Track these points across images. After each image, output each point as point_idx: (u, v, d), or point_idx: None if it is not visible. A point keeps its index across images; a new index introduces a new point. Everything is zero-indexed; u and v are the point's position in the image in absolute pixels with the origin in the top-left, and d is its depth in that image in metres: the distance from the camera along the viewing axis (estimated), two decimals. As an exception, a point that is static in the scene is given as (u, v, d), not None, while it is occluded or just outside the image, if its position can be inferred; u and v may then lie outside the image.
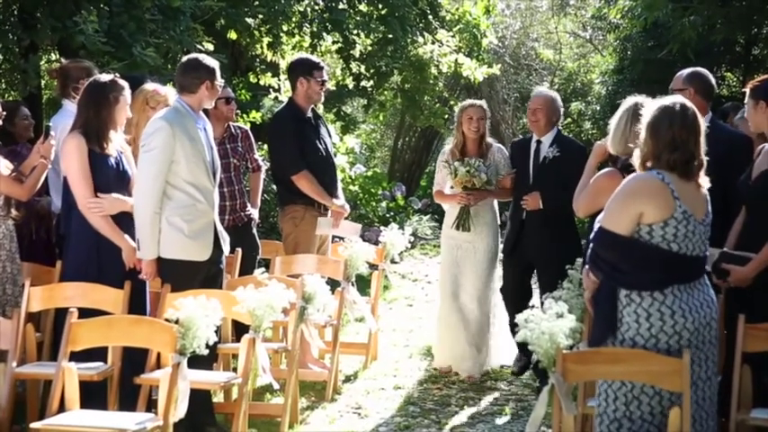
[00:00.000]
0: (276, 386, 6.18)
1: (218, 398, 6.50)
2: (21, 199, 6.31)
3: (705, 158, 4.35)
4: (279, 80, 13.97)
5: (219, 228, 6.16)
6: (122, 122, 6.15)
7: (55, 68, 7.40)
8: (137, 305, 5.94)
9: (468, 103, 7.99)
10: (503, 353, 7.95)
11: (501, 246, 7.87)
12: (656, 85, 8.14)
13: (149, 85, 6.66)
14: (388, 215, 16.13)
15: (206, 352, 4.99)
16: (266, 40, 12.89)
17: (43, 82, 10.37)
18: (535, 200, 7.43)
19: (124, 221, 6.04)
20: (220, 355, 6.72)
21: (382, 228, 8.72)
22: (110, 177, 6.04)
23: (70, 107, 6.74)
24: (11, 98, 10.92)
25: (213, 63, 6.15)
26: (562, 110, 7.71)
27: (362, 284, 9.02)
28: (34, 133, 7.67)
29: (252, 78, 13.98)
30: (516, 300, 7.55)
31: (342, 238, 7.82)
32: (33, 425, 4.95)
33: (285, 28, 12.90)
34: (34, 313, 6.10)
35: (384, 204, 16.51)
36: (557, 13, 29.38)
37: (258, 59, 14.31)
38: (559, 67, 29.08)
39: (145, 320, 5.42)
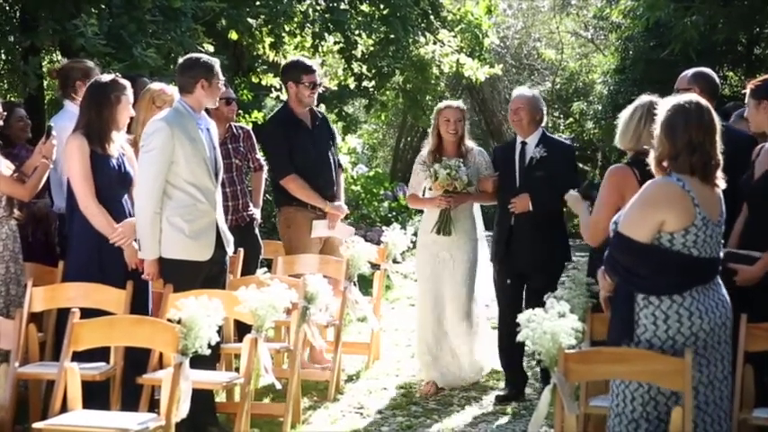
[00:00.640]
0: (278, 386, 6.17)
1: (220, 398, 6.50)
2: (23, 199, 6.32)
3: (721, 157, 4.33)
4: (280, 80, 13.97)
5: (223, 228, 6.16)
6: (125, 122, 6.15)
7: (55, 69, 7.40)
8: (139, 305, 5.94)
9: (444, 104, 7.55)
10: (488, 360, 7.61)
11: (482, 254, 7.51)
12: (657, 85, 8.13)
13: (156, 85, 6.67)
14: (390, 215, 16.12)
15: (208, 352, 4.99)
16: (268, 40, 12.89)
17: (45, 83, 10.38)
18: (524, 202, 7.07)
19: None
20: (223, 355, 6.72)
21: (384, 228, 8.72)
22: (111, 178, 6.05)
23: (71, 108, 6.75)
24: (12, 99, 10.94)
25: (210, 61, 6.10)
26: (545, 109, 7.35)
27: (365, 284, 9.03)
28: (36, 134, 7.66)
29: (254, 78, 13.99)
30: (513, 310, 6.90)
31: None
32: (36, 425, 4.96)
33: (287, 28, 12.90)
34: (37, 313, 6.11)
35: (386, 204, 16.51)
36: (558, 13, 29.36)
37: (260, 60, 14.32)
38: (561, 67, 29.07)
39: (147, 320, 5.42)
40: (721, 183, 4.34)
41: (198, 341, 4.92)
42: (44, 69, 9.49)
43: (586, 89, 27.42)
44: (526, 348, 5.10)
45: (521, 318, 4.60)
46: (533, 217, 7.06)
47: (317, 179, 7.62)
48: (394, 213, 16.32)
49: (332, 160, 7.78)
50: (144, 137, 6.00)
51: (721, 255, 4.45)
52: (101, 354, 5.61)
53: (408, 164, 22.72)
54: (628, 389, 4.34)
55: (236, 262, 7.24)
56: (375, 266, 8.36)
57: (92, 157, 5.99)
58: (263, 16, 12.07)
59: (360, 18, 14.19)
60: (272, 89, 14.10)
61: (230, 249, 6.27)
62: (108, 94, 6.02)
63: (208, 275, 6.02)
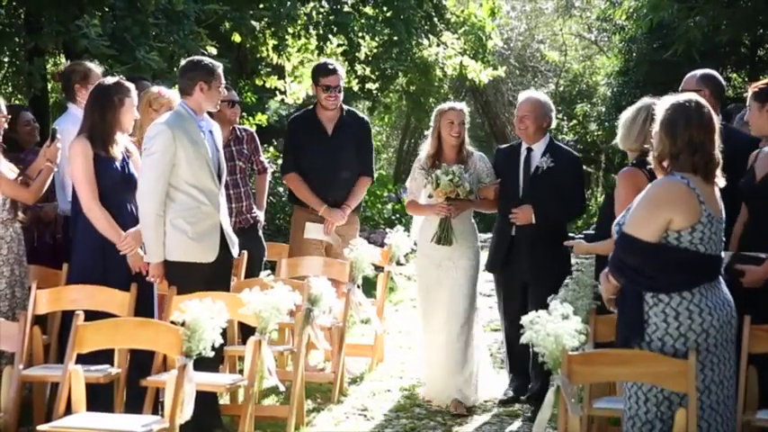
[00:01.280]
0: (282, 388, 6.18)
1: (224, 400, 6.50)
2: (27, 202, 6.33)
3: (720, 156, 4.34)
4: (284, 83, 13.99)
5: (228, 230, 6.16)
6: (129, 124, 6.15)
7: (58, 71, 7.42)
8: (143, 308, 5.95)
9: (447, 105, 7.16)
10: (489, 384, 7.26)
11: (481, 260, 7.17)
12: (661, 87, 8.13)
13: (153, 88, 6.69)
14: (393, 217, 16.14)
15: (212, 354, 4.99)
16: (271, 42, 12.90)
17: (49, 85, 10.40)
18: (526, 214, 6.77)
19: (129, 225, 6.05)
20: (226, 358, 6.73)
21: (388, 230, 8.71)
22: (115, 181, 6.05)
23: (75, 111, 6.77)
24: (17, 101, 10.96)
25: (211, 64, 6.10)
26: (553, 113, 7.04)
27: (368, 286, 9.03)
28: (41, 136, 7.68)
29: (257, 81, 14.00)
30: (514, 320, 6.46)
31: None
32: (40, 427, 4.95)
33: (290, 31, 12.92)
34: (41, 316, 6.12)
35: (390, 206, 16.52)
36: (562, 15, 29.39)
37: (263, 62, 14.33)
38: (565, 69, 29.08)
39: (151, 323, 5.42)
40: (720, 181, 4.35)
41: (202, 343, 4.92)
42: (48, 72, 9.51)
43: (590, 91, 27.44)
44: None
45: (524, 320, 4.61)
46: (536, 228, 6.79)
47: (321, 182, 7.66)
48: (397, 215, 16.33)
49: (348, 167, 7.75)
50: (145, 140, 6.01)
51: (723, 255, 4.46)
52: (105, 356, 5.61)
53: (411, 166, 22.74)
54: (641, 390, 4.34)
55: (240, 264, 7.25)
56: (379, 269, 8.36)
57: (95, 159, 5.99)
58: (266, 19, 12.08)
59: (363, 20, 14.20)
60: (276, 92, 14.11)
61: (235, 251, 6.27)
62: (111, 96, 6.02)
63: (212, 277, 6.01)
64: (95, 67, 6.98)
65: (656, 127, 4.36)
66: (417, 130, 23.03)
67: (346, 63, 14.97)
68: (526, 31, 30.45)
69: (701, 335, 4.24)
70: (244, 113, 11.79)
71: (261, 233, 7.95)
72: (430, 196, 6.97)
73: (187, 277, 5.88)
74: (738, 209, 5.53)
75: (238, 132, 7.90)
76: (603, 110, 22.50)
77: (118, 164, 6.09)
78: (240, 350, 6.50)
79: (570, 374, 4.39)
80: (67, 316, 5.64)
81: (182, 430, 5.01)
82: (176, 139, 5.89)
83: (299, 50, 13.81)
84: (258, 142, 8.06)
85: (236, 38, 12.17)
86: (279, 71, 14.29)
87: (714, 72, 6.31)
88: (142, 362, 5.70)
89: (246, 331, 6.43)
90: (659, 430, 4.30)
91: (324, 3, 13.58)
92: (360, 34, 14.03)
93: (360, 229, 8.13)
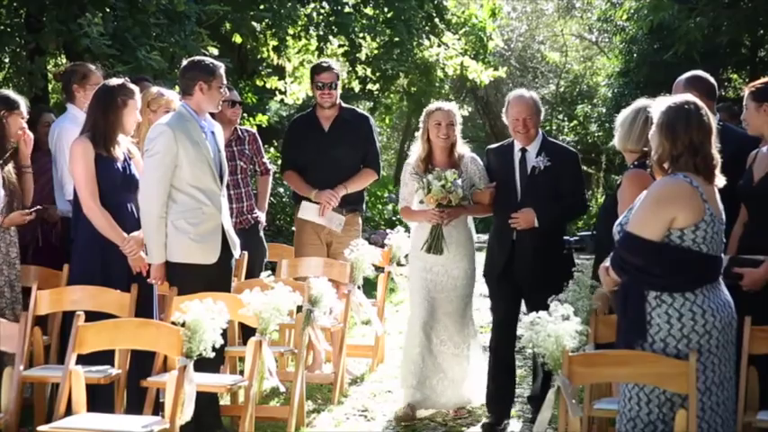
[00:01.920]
0: (282, 389, 6.18)
1: (224, 401, 6.50)
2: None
3: (719, 156, 4.35)
4: (285, 83, 14.00)
5: (229, 230, 6.16)
6: (131, 126, 6.14)
7: (59, 72, 7.42)
8: (144, 308, 5.95)
9: (434, 106, 6.87)
10: (477, 393, 6.91)
11: (477, 268, 6.89)
12: (661, 87, 8.12)
13: (153, 89, 6.70)
14: (394, 218, 16.14)
15: (212, 355, 4.99)
16: (272, 43, 12.91)
17: (50, 86, 10.40)
18: (528, 218, 6.43)
19: (130, 226, 6.05)
20: (227, 358, 6.73)
21: (388, 230, 8.71)
22: (116, 181, 6.05)
23: (74, 111, 6.79)
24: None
25: (211, 65, 6.10)
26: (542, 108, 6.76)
27: (369, 287, 9.03)
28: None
29: (258, 82, 14.01)
30: (511, 331, 6.61)
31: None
32: (41, 428, 4.95)
33: (291, 32, 12.92)
34: (42, 316, 6.12)
35: (390, 207, 16.53)
36: (562, 16, 29.40)
37: (264, 63, 14.35)
38: (565, 70, 29.10)
39: (151, 323, 5.42)
40: (720, 181, 4.35)
41: (202, 344, 4.92)
42: (49, 72, 9.52)
43: (590, 92, 27.46)
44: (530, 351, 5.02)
45: (524, 321, 4.60)
46: (538, 232, 6.46)
47: (318, 180, 7.68)
48: (398, 216, 16.33)
49: (347, 163, 7.74)
50: (147, 141, 6.01)
51: (724, 257, 4.46)
52: (105, 357, 5.61)
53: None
54: (642, 392, 4.33)
55: (241, 265, 7.25)
56: (379, 269, 8.37)
57: (96, 159, 5.99)
58: (266, 20, 12.09)
59: (364, 21, 14.22)
60: (277, 92, 14.11)
61: (237, 252, 6.27)
62: (115, 97, 6.02)
63: (213, 278, 6.01)
64: (96, 69, 6.98)
65: (653, 129, 4.36)
66: (418, 131, 23.08)
67: (347, 64, 14.98)
68: (527, 31, 30.47)
69: (704, 336, 4.24)
70: (244, 114, 11.79)
71: (262, 234, 7.96)
72: (421, 202, 6.68)
73: (188, 278, 5.88)
74: (736, 209, 5.51)
75: (240, 133, 7.91)
76: (604, 111, 22.52)
77: (119, 164, 6.09)
78: (241, 351, 6.50)
79: (571, 375, 4.39)
80: (68, 317, 5.65)
81: (182, 431, 5.01)
82: (178, 140, 5.90)
83: (299, 51, 13.82)
84: (260, 143, 8.07)
85: (237, 38, 12.18)
86: (279, 72, 14.29)
87: (700, 72, 6.27)
88: (143, 362, 5.70)
89: (247, 332, 6.43)
90: (661, 431, 4.30)
91: (324, 4, 13.59)
92: (361, 35, 14.04)
93: (361, 229, 8.11)
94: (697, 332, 4.24)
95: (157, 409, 5.63)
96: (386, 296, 8.54)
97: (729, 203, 4.65)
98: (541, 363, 4.51)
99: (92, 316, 5.40)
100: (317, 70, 7.84)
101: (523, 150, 6.57)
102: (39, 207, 6.55)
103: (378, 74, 15.27)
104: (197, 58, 6.34)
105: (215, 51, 10.27)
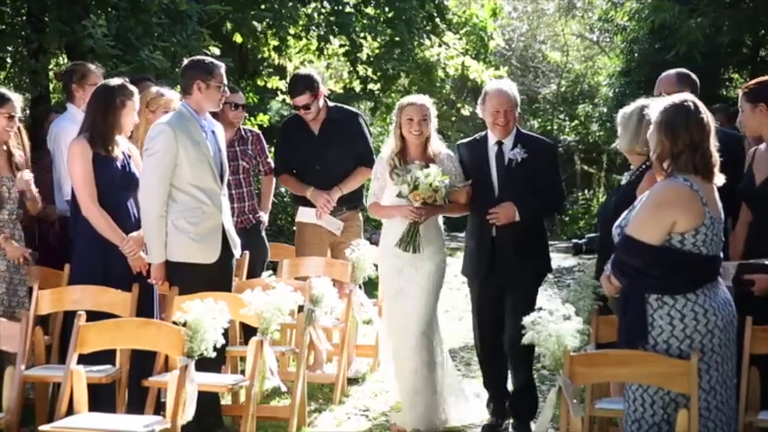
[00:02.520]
0: (284, 389, 6.18)
1: (225, 400, 6.51)
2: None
3: (718, 155, 4.34)
4: (286, 83, 14.00)
5: (230, 230, 6.16)
6: (128, 127, 6.14)
7: (60, 71, 7.42)
8: (145, 308, 5.95)
9: (407, 100, 6.56)
10: (460, 408, 6.64)
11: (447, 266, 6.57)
12: (662, 87, 8.11)
13: (152, 89, 6.69)
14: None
15: (214, 354, 4.99)
16: (273, 43, 12.92)
17: (51, 86, 10.41)
18: (508, 212, 6.22)
19: (130, 225, 6.05)
20: (228, 358, 6.73)
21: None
22: (114, 180, 6.05)
23: (73, 111, 6.79)
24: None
25: (210, 64, 6.09)
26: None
27: (370, 287, 9.02)
28: (42, 137, 7.67)
29: (259, 82, 14.01)
30: (493, 332, 6.47)
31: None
32: (42, 427, 4.96)
33: (292, 31, 12.93)
34: (43, 316, 6.12)
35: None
36: (564, 16, 29.39)
37: (265, 63, 14.35)
38: (566, 70, 29.09)
39: (152, 323, 5.43)
40: (719, 180, 4.35)
41: (203, 344, 4.93)
42: (51, 70, 9.52)
43: (592, 91, 27.44)
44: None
45: (526, 320, 4.60)
46: (519, 226, 6.25)
47: (310, 181, 7.70)
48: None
49: (340, 164, 7.72)
50: (147, 140, 6.01)
51: (729, 266, 4.45)
52: (106, 356, 5.62)
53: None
54: (646, 393, 4.33)
55: (242, 265, 7.25)
56: (380, 269, 8.35)
57: (95, 159, 5.99)
58: (267, 19, 12.10)
59: (365, 21, 14.22)
60: (278, 92, 14.11)
61: (237, 252, 6.27)
62: (114, 97, 6.02)
63: (214, 278, 6.01)
64: (95, 69, 6.98)
65: (652, 128, 4.35)
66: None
67: (348, 63, 14.99)
68: (528, 31, 30.46)
69: (707, 336, 4.24)
70: (245, 114, 11.79)
71: (264, 234, 7.96)
72: (399, 196, 6.31)
73: (188, 278, 5.88)
74: (731, 207, 5.47)
75: (243, 133, 7.91)
76: (605, 110, 22.48)
77: (118, 163, 6.09)
78: (242, 350, 6.50)
79: (572, 375, 4.39)
80: (69, 316, 5.65)
81: (183, 430, 5.01)
82: (178, 139, 5.90)
83: (300, 51, 13.82)
84: (264, 144, 8.07)
85: (238, 38, 12.18)
86: (280, 72, 14.30)
87: (686, 70, 6.28)
88: (144, 362, 5.70)
89: (248, 332, 6.43)
90: None
91: (325, 3, 13.59)
92: (362, 35, 14.04)
93: (363, 229, 8.11)
94: (700, 332, 4.23)
95: (159, 408, 5.63)
96: (387, 296, 8.52)
97: (724, 201, 4.62)
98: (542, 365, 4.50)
99: (93, 316, 5.41)
100: (290, 93, 7.91)
101: (499, 143, 6.38)
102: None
103: (379, 74, 15.26)
104: (197, 57, 6.35)
105: (216, 51, 10.28)
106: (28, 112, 8.96)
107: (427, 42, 15.60)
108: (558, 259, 17.09)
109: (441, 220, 6.63)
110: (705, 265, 4.29)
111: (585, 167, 26.42)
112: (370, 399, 7.27)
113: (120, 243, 5.99)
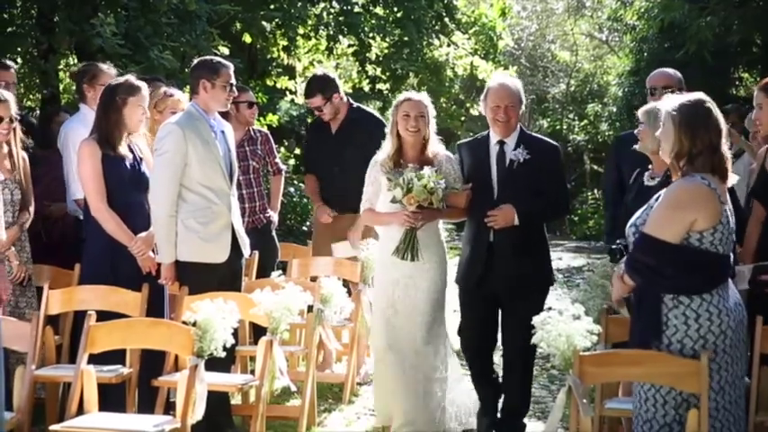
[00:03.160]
0: (294, 388, 6.18)
1: (235, 400, 6.51)
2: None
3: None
4: (295, 83, 14.03)
5: (239, 230, 6.16)
6: (135, 124, 6.08)
7: (74, 71, 7.44)
8: (155, 308, 5.96)
9: (403, 97, 6.21)
10: (462, 413, 6.36)
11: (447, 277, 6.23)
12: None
13: (161, 89, 6.69)
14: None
15: (223, 354, 5.00)
16: (282, 43, 12.93)
17: (61, 86, 10.43)
18: (507, 215, 5.87)
19: (140, 225, 6.06)
20: (238, 358, 6.73)
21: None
22: (123, 180, 6.04)
23: (85, 111, 6.81)
24: (29, 102, 11.00)
25: (216, 63, 6.08)
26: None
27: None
28: (52, 137, 7.68)
29: (268, 81, 14.03)
30: (483, 344, 6.19)
31: None
32: (52, 427, 4.97)
33: (301, 31, 12.94)
34: (53, 316, 6.13)
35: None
36: (573, 15, 29.36)
37: (274, 63, 14.37)
38: (576, 69, 29.06)
39: (162, 323, 5.43)
40: (732, 180, 4.35)
41: (213, 343, 4.93)
42: (62, 70, 9.55)
43: (601, 91, 27.43)
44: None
45: (535, 320, 4.58)
46: (518, 231, 5.91)
47: (327, 182, 7.74)
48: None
49: (355, 164, 7.63)
50: (156, 140, 6.02)
51: (744, 269, 4.43)
52: (116, 356, 5.62)
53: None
54: (658, 393, 4.31)
55: (252, 264, 7.26)
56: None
57: (104, 159, 5.99)
58: (276, 19, 12.11)
59: (374, 21, 14.23)
60: (287, 92, 14.13)
61: (246, 251, 6.27)
62: (115, 96, 6.01)
63: (223, 278, 6.01)
64: (107, 69, 6.98)
65: (667, 126, 4.33)
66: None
67: (357, 63, 15.00)
68: (537, 30, 30.43)
69: (720, 336, 4.23)
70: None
71: (274, 233, 7.96)
72: (394, 201, 5.96)
73: (198, 277, 5.88)
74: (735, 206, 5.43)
75: (252, 133, 7.92)
76: (615, 110, 22.47)
77: (127, 163, 6.08)
78: (252, 350, 6.51)
79: (582, 375, 4.38)
80: (80, 316, 5.66)
81: (193, 430, 5.01)
82: (187, 139, 5.90)
83: (309, 51, 13.83)
84: (273, 144, 8.08)
85: (247, 38, 12.19)
86: (289, 71, 14.31)
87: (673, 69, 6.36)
88: (154, 362, 5.70)
89: (258, 331, 6.44)
90: None
91: (334, 3, 13.61)
92: (370, 34, 14.06)
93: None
94: (713, 332, 4.22)
95: (168, 408, 5.63)
96: (396, 296, 8.51)
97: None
98: (551, 365, 4.48)
99: (103, 316, 5.41)
100: (304, 93, 8.06)
101: (501, 143, 6.03)
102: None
103: (388, 73, 15.27)
104: (205, 57, 6.35)
105: (225, 51, 10.30)
106: (38, 112, 8.98)
107: (436, 42, 15.60)
108: (568, 259, 17.09)
109: (442, 227, 6.37)
110: (720, 264, 4.28)
111: (595, 167, 26.40)
112: (379, 398, 7.26)
113: (129, 243, 5.99)
